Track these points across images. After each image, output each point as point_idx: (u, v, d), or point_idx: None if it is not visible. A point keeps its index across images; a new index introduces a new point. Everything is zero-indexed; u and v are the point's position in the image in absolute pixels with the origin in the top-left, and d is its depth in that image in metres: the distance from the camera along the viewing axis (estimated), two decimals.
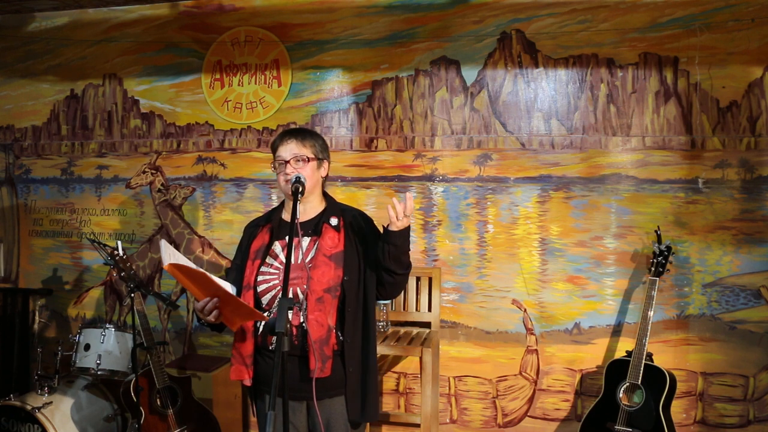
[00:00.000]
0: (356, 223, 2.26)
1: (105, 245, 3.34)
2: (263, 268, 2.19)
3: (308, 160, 2.19)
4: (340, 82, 3.71)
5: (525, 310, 3.50)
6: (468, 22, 3.52)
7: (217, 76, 3.86)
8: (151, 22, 3.96)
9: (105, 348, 3.39)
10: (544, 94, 3.45)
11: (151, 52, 3.97)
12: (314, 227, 2.23)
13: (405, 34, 3.60)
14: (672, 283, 3.30)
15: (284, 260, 2.12)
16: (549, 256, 3.46)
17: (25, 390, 3.86)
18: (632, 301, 3.35)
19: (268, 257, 2.21)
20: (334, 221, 2.22)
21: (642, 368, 3.00)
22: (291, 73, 3.76)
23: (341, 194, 3.69)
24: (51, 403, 3.30)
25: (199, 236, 3.92)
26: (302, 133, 2.24)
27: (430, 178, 3.60)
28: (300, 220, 2.19)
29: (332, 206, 2.31)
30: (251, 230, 2.34)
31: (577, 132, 3.42)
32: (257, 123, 3.82)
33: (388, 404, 3.66)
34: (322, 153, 2.26)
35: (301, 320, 2.10)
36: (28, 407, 3.21)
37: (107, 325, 3.48)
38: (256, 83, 3.81)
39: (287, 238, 2.14)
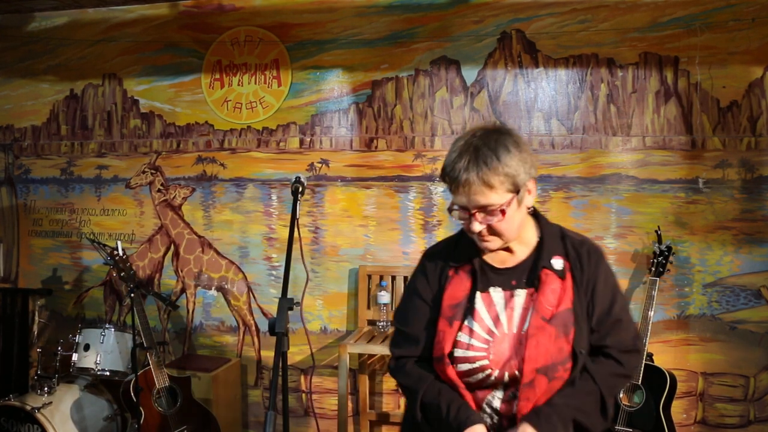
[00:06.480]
0: (584, 261, 1.58)
1: (104, 245, 3.34)
2: (461, 336, 1.56)
3: (503, 212, 1.48)
4: (340, 82, 3.71)
5: None
6: (468, 22, 3.51)
7: (217, 76, 3.86)
8: (150, 22, 3.95)
9: (105, 348, 3.39)
10: (544, 94, 3.44)
11: (150, 52, 3.96)
12: (529, 274, 1.58)
13: (405, 34, 3.60)
14: (672, 283, 3.30)
15: (493, 328, 1.56)
16: None
17: (25, 390, 3.86)
18: (632, 301, 3.34)
19: (468, 318, 1.58)
20: (558, 263, 1.57)
21: (642, 368, 3.00)
22: (291, 73, 3.76)
23: (341, 194, 3.69)
24: (51, 403, 3.29)
25: (199, 236, 3.91)
26: (484, 161, 1.46)
27: (430, 178, 3.59)
28: (507, 265, 1.62)
29: (551, 236, 1.62)
30: (442, 267, 1.65)
31: (577, 132, 3.41)
32: (257, 123, 3.82)
33: (388, 404, 3.66)
34: (522, 175, 1.49)
35: (513, 410, 1.53)
36: (28, 407, 3.21)
37: (107, 325, 3.48)
38: (255, 83, 3.81)
39: (495, 291, 1.59)
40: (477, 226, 1.50)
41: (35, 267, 4.23)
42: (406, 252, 3.63)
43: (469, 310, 1.57)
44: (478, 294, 1.59)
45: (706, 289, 3.27)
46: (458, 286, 1.60)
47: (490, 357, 1.53)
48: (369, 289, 3.59)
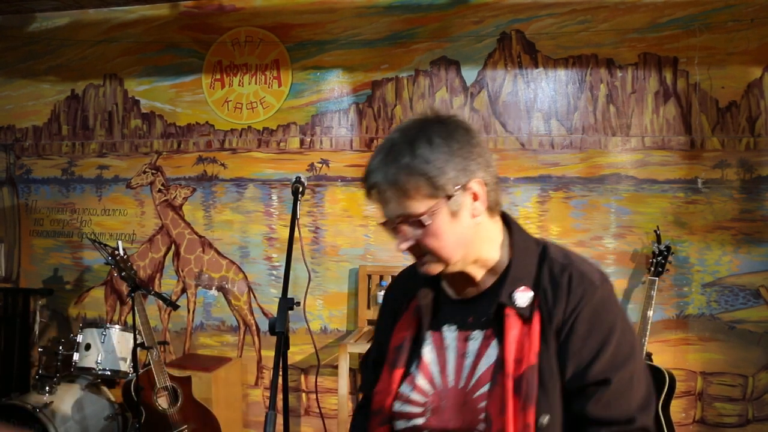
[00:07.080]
0: (560, 293, 1.13)
1: (105, 245, 3.35)
2: (404, 387, 1.21)
3: (423, 224, 1.15)
4: (340, 82, 3.71)
5: None
6: (468, 23, 3.52)
7: (218, 77, 3.87)
8: (151, 23, 3.96)
9: (106, 348, 3.40)
10: (543, 94, 3.45)
11: (151, 53, 3.97)
12: (486, 310, 1.18)
13: (405, 34, 3.60)
14: (671, 282, 3.31)
15: (437, 379, 1.20)
16: None
17: (26, 390, 3.86)
18: (632, 300, 3.35)
19: (414, 365, 1.23)
20: (522, 298, 1.14)
21: None
22: (291, 73, 3.77)
23: (341, 194, 3.70)
24: (52, 402, 3.30)
25: (200, 236, 3.92)
26: (395, 158, 1.13)
27: None
28: (465, 296, 1.25)
29: (523, 258, 1.19)
30: (394, 302, 1.35)
31: (577, 132, 3.42)
32: (257, 123, 3.83)
33: None
34: (451, 175, 1.12)
35: None
36: (29, 407, 3.22)
37: (108, 325, 3.49)
38: (256, 83, 3.82)
39: (449, 330, 1.22)
40: (401, 243, 1.18)
41: (36, 267, 4.24)
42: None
43: (416, 355, 1.22)
44: (429, 334, 1.23)
45: (705, 289, 3.28)
46: (404, 325, 1.26)
47: (427, 415, 1.16)
48: (369, 289, 3.60)
